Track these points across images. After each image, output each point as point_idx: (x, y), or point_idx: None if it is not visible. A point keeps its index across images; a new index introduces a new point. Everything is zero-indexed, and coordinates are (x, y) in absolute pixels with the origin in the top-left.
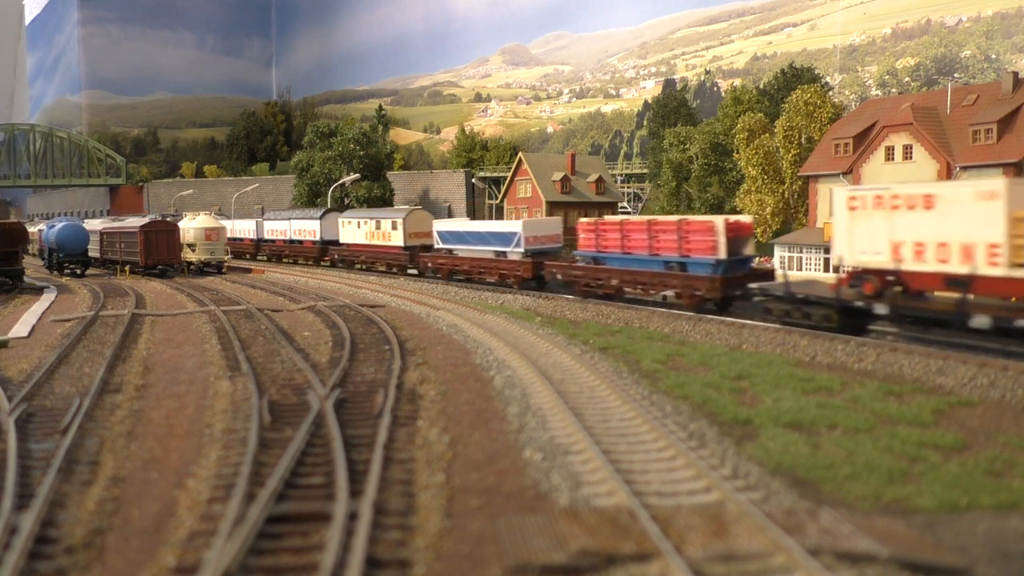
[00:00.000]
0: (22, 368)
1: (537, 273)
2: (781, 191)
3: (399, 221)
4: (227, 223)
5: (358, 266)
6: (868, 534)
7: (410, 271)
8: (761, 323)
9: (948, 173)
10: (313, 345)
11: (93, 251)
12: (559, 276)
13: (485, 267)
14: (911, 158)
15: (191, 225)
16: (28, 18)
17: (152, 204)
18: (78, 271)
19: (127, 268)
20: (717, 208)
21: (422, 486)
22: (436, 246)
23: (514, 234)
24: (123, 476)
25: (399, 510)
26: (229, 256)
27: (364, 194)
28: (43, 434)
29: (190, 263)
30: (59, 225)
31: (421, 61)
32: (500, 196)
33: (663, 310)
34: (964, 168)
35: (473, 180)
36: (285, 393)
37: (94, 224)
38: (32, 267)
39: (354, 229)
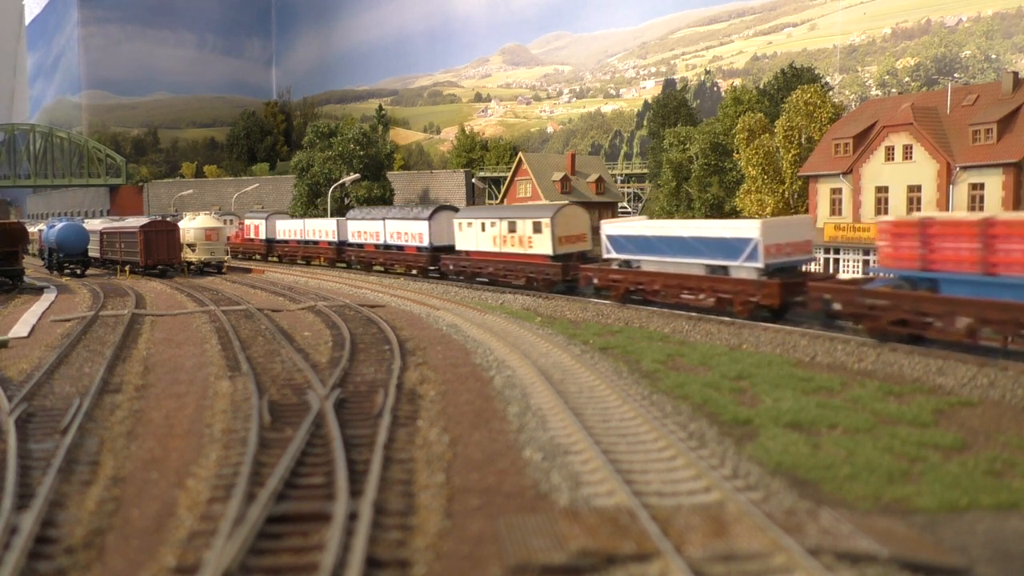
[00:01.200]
0: (22, 368)
1: (787, 300)
2: (781, 191)
3: (545, 221)
4: (293, 223)
5: (482, 279)
6: (868, 534)
7: (556, 287)
8: (761, 323)
9: (948, 173)
10: (313, 345)
11: (93, 251)
12: (856, 310)
13: (695, 288)
14: (911, 158)
15: (191, 225)
16: (28, 18)
17: (152, 204)
18: (78, 271)
19: (127, 268)
20: (717, 208)
21: (422, 486)
22: (607, 255)
23: (746, 241)
24: (123, 476)
25: (399, 510)
26: (229, 256)
27: (364, 194)
28: (43, 434)
29: (190, 263)
30: (59, 225)
31: (421, 61)
32: (500, 196)
33: (664, 310)
34: (964, 168)
35: (473, 180)
36: (285, 393)
37: (94, 224)
38: (32, 267)
39: (476, 233)
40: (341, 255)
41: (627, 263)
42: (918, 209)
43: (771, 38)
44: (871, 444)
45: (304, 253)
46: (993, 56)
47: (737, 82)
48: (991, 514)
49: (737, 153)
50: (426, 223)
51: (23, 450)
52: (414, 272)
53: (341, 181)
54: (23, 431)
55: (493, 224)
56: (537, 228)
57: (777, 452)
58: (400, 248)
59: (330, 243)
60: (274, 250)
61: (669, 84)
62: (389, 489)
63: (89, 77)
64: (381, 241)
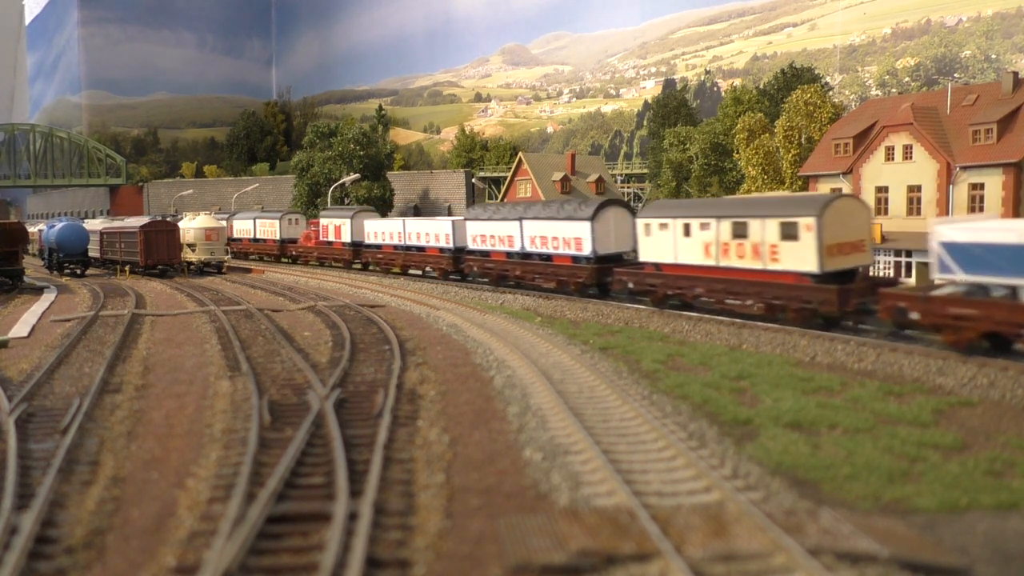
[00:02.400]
0: (22, 368)
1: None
2: (781, 191)
3: (806, 221)
4: (388, 224)
5: (694, 306)
6: (868, 534)
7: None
8: (761, 323)
9: (948, 173)
10: (313, 345)
11: (93, 251)
12: None
13: None
14: (911, 158)
15: (191, 225)
16: (28, 18)
17: (152, 204)
18: (78, 271)
19: (127, 268)
20: None
21: (422, 486)
22: (942, 273)
23: None
24: (123, 476)
25: (399, 510)
26: (229, 256)
27: (364, 194)
28: (43, 434)
29: (190, 263)
30: (59, 225)
31: (421, 61)
32: (500, 196)
33: (665, 309)
34: (964, 168)
35: (473, 180)
36: (285, 393)
37: (94, 224)
38: (32, 267)
39: (674, 237)
40: (458, 264)
41: (984, 290)
42: (918, 210)
43: (771, 38)
44: (871, 444)
45: (405, 261)
46: (993, 56)
47: (737, 82)
48: (991, 514)
49: (737, 153)
50: (587, 224)
51: (23, 450)
52: (571, 291)
53: (341, 181)
54: (23, 431)
55: (705, 225)
56: (789, 232)
57: (777, 452)
58: (546, 258)
59: (442, 250)
60: (361, 256)
61: (669, 84)
62: (389, 489)
63: (89, 77)
64: (517, 248)
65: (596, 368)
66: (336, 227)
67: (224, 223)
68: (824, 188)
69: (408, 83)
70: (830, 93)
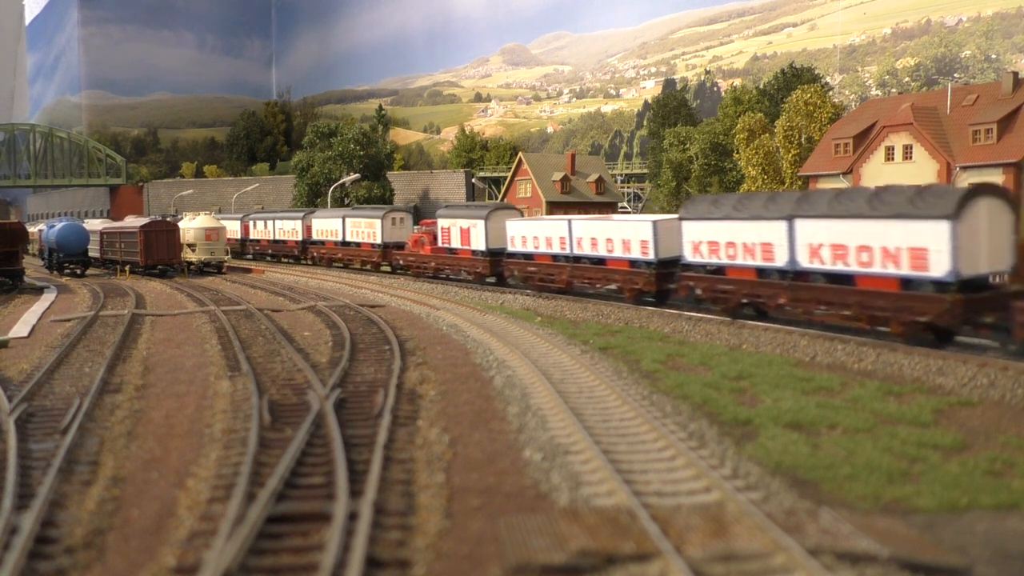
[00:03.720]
0: (22, 368)
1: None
2: (781, 191)
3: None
4: (543, 225)
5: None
6: (868, 534)
7: None
8: (761, 323)
9: (948, 173)
10: (313, 345)
11: (93, 251)
12: None
13: None
14: (911, 158)
15: (191, 225)
16: (28, 18)
17: (152, 204)
18: (78, 271)
19: (127, 268)
20: None
21: (422, 486)
22: None
23: None
24: (123, 476)
25: (399, 510)
26: (229, 256)
27: (364, 194)
28: (43, 434)
29: (190, 263)
30: (59, 225)
31: (421, 61)
32: (500, 196)
33: (664, 309)
34: (964, 168)
35: (473, 180)
36: (285, 393)
37: (94, 224)
38: (32, 267)
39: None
40: (663, 285)
41: None
42: None
43: (771, 38)
44: (871, 444)
45: (578, 277)
46: (993, 56)
47: (737, 82)
48: (991, 514)
49: (737, 153)
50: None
51: (23, 450)
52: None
53: (341, 181)
54: (23, 431)
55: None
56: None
57: (777, 452)
58: (847, 278)
59: (635, 262)
60: (503, 268)
61: (669, 84)
62: (389, 489)
63: (89, 77)
64: (778, 262)
65: (596, 368)
66: (463, 230)
67: (223, 223)
68: (824, 188)
69: (408, 83)
70: (830, 93)
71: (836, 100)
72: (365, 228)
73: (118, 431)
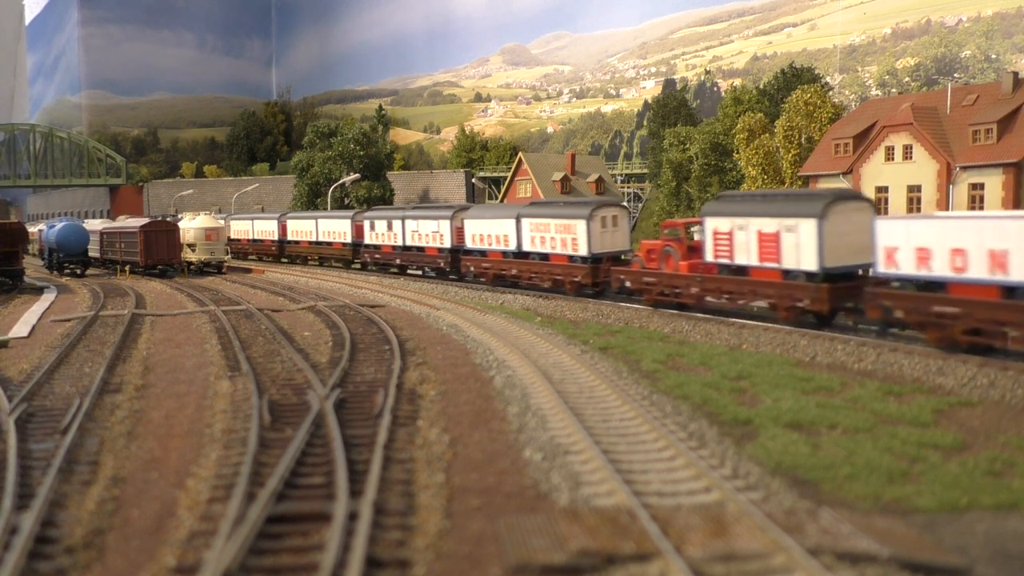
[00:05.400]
0: (22, 368)
1: None
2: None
3: None
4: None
5: None
6: (868, 534)
7: None
8: (761, 323)
9: (948, 173)
10: (313, 345)
11: (93, 251)
12: None
13: None
14: (911, 158)
15: (191, 225)
16: (28, 18)
17: (152, 204)
18: (78, 271)
19: (127, 268)
20: None
21: (422, 486)
22: None
23: None
24: (123, 476)
25: (399, 510)
26: (229, 256)
27: (364, 194)
28: (43, 434)
29: (190, 263)
30: (59, 225)
31: (421, 61)
32: (500, 196)
33: (664, 309)
34: (964, 168)
35: (473, 180)
36: (285, 393)
37: (94, 224)
38: (32, 267)
39: None
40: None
41: None
42: (918, 210)
43: (771, 38)
44: (871, 444)
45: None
46: (993, 56)
47: (737, 82)
48: (991, 514)
49: (737, 153)
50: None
51: (23, 450)
52: None
53: (341, 181)
54: (23, 431)
55: None
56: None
57: (777, 452)
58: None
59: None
60: (839, 299)
61: (669, 84)
62: (389, 489)
63: (89, 77)
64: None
65: (596, 368)
66: (753, 236)
67: (223, 222)
68: (825, 188)
69: (408, 83)
70: (830, 93)
71: (836, 100)
72: (561, 232)
73: (118, 431)
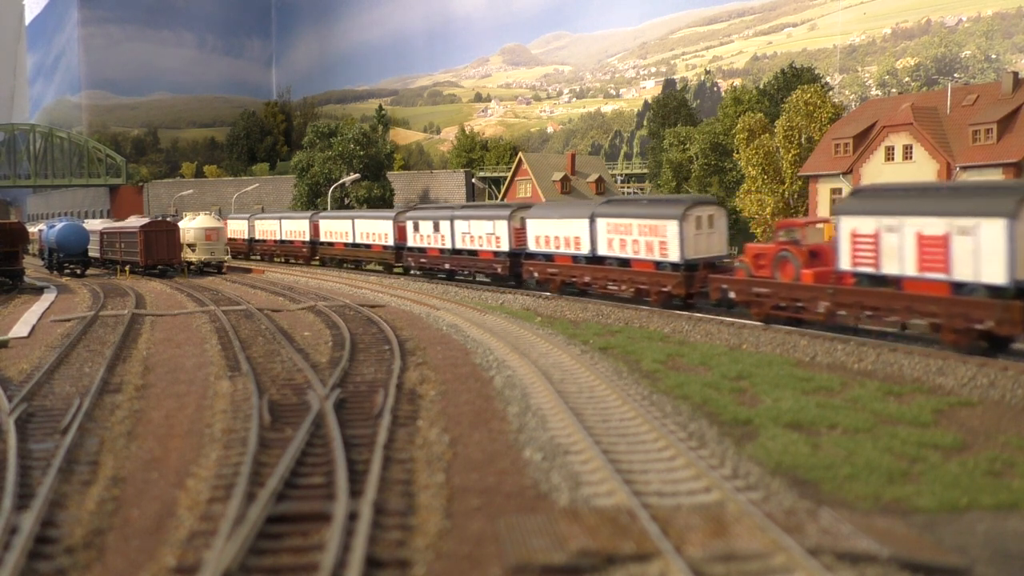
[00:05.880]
0: (22, 368)
1: None
2: (781, 191)
3: None
4: None
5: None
6: (868, 534)
7: None
8: (761, 323)
9: (948, 173)
10: (313, 345)
11: (93, 251)
12: None
13: None
14: (911, 158)
15: (191, 225)
16: (28, 18)
17: (152, 204)
18: (78, 271)
19: (127, 268)
20: None
21: (422, 486)
22: None
23: None
24: (123, 476)
25: (399, 510)
26: (229, 256)
27: (364, 194)
28: (43, 434)
29: (190, 263)
30: (59, 225)
31: (421, 61)
32: (500, 196)
33: (664, 309)
34: (964, 168)
35: (473, 180)
36: (285, 393)
37: (94, 224)
38: (32, 267)
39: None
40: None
41: None
42: None
43: (771, 38)
44: (871, 444)
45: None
46: (993, 56)
47: (737, 82)
48: (991, 514)
49: (737, 153)
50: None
51: (23, 450)
52: None
53: (341, 181)
54: (23, 431)
55: None
56: None
57: (777, 452)
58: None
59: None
60: None
61: (669, 84)
62: (389, 489)
63: (89, 77)
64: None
65: (596, 368)
66: (911, 239)
67: (222, 222)
68: (824, 188)
69: (408, 83)
70: (830, 93)
71: (836, 100)
72: (643, 236)
73: (118, 431)
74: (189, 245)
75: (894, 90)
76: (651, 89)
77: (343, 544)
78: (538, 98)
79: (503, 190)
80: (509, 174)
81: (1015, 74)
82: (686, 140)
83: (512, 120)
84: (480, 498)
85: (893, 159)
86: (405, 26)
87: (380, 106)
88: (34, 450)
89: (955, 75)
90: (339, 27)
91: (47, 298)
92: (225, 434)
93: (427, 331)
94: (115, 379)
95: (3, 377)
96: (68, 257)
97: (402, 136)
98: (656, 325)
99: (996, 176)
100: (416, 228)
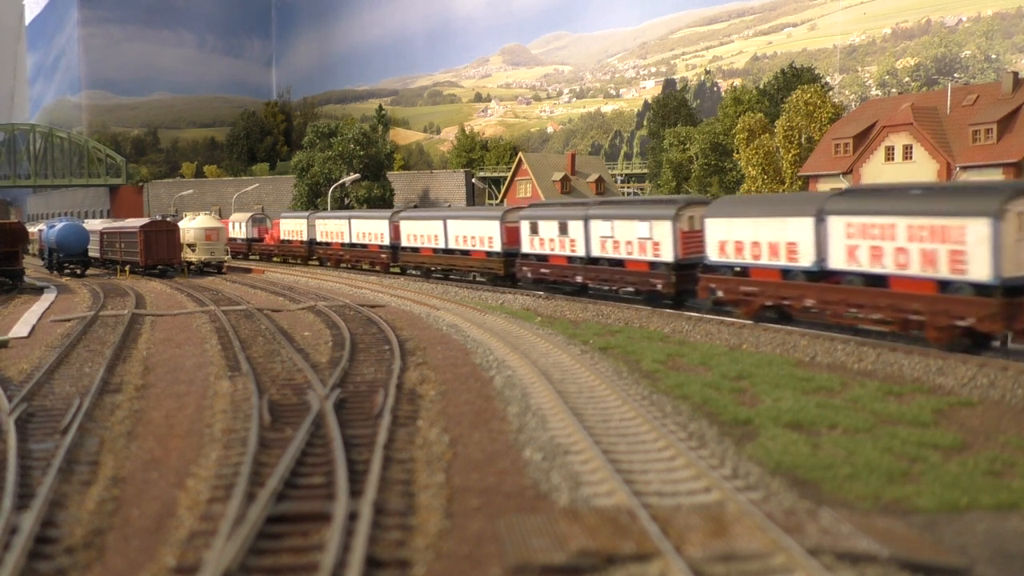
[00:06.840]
0: (22, 368)
1: None
2: (781, 191)
3: None
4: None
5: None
6: (868, 534)
7: None
8: (761, 323)
9: (948, 173)
10: (313, 345)
11: (93, 251)
12: None
13: None
14: (911, 158)
15: (191, 225)
16: (28, 18)
17: (152, 204)
18: (78, 271)
19: (127, 268)
20: None
21: (422, 486)
22: None
23: None
24: (123, 476)
25: (399, 510)
26: (229, 256)
27: (364, 194)
28: (43, 434)
29: (190, 263)
30: (59, 225)
31: (421, 61)
32: (500, 196)
33: (664, 309)
34: (964, 168)
35: (473, 180)
36: (285, 393)
37: (94, 224)
38: (32, 267)
39: None
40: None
41: None
42: None
43: (771, 38)
44: (871, 444)
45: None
46: (993, 56)
47: (737, 82)
48: (991, 514)
49: (737, 153)
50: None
51: (23, 450)
52: None
53: (341, 181)
54: (23, 431)
55: None
56: None
57: (777, 452)
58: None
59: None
60: None
61: (669, 84)
62: (389, 489)
63: (89, 77)
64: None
65: (596, 368)
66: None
67: (222, 222)
68: (824, 188)
69: (408, 83)
70: (830, 93)
71: (836, 100)
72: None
73: (118, 431)
74: (189, 245)
75: (894, 90)
76: (651, 89)
77: (343, 544)
78: (538, 98)
79: (503, 190)
80: (509, 174)
81: (1015, 74)
82: (686, 140)
83: (512, 120)
84: (480, 498)
85: (893, 159)
86: (405, 26)
87: (380, 106)
88: (34, 450)
89: (955, 75)
90: (339, 27)
91: (47, 298)
92: (225, 434)
93: (427, 331)
94: (115, 379)
95: (3, 377)
96: (68, 257)
97: (402, 136)
98: (656, 325)
99: (997, 176)
100: (534, 230)
